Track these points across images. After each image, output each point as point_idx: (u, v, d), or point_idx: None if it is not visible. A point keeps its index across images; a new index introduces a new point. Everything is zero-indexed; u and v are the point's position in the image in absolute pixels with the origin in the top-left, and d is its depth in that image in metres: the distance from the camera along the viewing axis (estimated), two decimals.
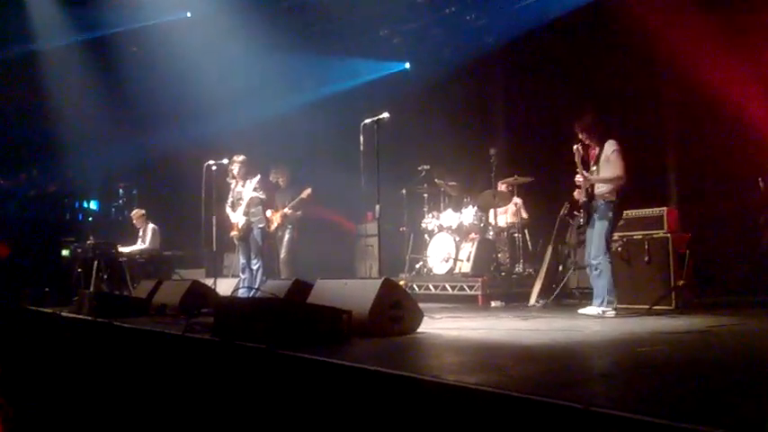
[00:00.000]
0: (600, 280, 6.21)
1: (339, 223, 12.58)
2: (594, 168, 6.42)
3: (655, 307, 6.35)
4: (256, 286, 8.11)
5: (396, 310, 4.66)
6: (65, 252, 11.19)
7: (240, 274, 8.84)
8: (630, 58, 9.50)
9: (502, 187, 9.47)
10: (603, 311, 6.08)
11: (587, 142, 6.47)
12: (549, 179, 9.71)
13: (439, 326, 5.33)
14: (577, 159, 6.41)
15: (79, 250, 10.52)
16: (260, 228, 8.89)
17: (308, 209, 10.34)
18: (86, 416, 4.61)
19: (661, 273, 6.76)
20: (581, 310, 6.29)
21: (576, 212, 6.70)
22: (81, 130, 11.88)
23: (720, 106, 8.35)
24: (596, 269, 6.24)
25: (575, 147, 6.41)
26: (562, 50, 10.38)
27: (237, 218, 8.73)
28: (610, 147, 6.31)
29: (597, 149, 6.43)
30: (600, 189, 6.35)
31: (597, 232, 6.29)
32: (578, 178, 6.44)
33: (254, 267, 8.67)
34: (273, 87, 12.33)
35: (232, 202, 8.87)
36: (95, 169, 13.02)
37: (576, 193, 6.55)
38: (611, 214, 6.26)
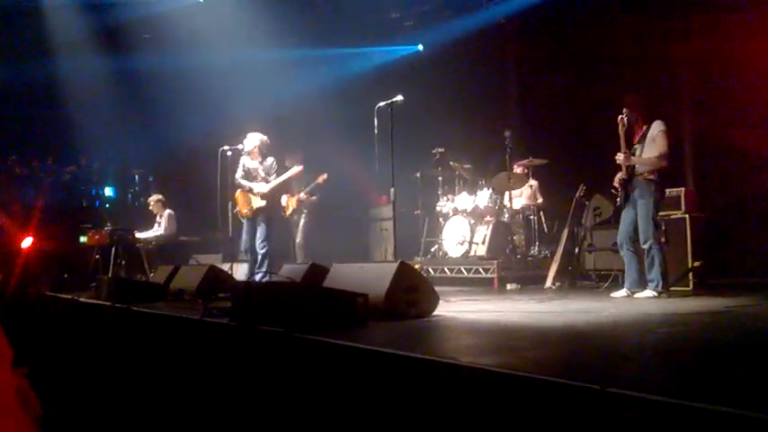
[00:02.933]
0: (653, 264, 6.09)
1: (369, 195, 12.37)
2: (637, 147, 6.31)
3: (671, 288, 6.33)
4: (261, 271, 7.94)
5: (412, 293, 4.67)
6: (83, 238, 11.30)
7: (244, 254, 8.60)
8: (645, 33, 9.39)
9: (518, 169, 9.43)
10: (659, 293, 6.02)
11: (632, 119, 6.31)
12: (564, 161, 9.66)
13: (454, 309, 5.34)
14: (621, 131, 6.26)
15: (97, 236, 10.61)
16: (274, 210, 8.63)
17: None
18: (107, 401, 4.68)
19: (678, 253, 6.73)
20: (637, 295, 6.13)
21: (613, 190, 6.58)
22: (96, 118, 11.95)
23: (740, 81, 8.24)
24: (648, 255, 6.13)
25: (620, 117, 6.25)
26: (575, 29, 10.29)
27: (259, 189, 8.46)
28: (657, 126, 6.20)
29: (643, 129, 6.30)
30: (640, 168, 6.24)
31: (642, 216, 6.16)
32: (619, 157, 6.28)
33: (262, 252, 8.34)
34: (287, 72, 12.32)
35: (244, 175, 8.54)
36: (111, 156, 13.11)
37: (617, 177, 6.36)
38: (653, 195, 6.14)
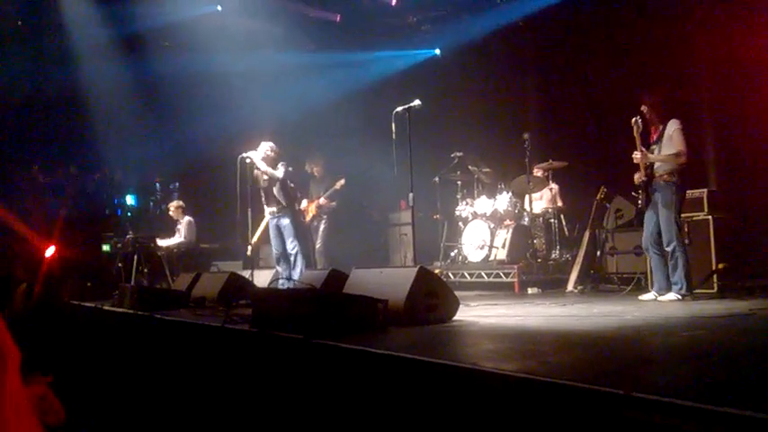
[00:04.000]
0: (677, 266, 6.03)
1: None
2: (655, 148, 6.25)
3: (696, 291, 6.25)
4: (297, 270, 8.05)
5: (431, 298, 4.65)
6: (105, 247, 11.40)
7: (276, 266, 8.73)
8: (665, 32, 9.31)
9: (538, 173, 9.38)
10: (683, 296, 5.95)
11: (648, 118, 6.26)
12: (584, 163, 9.60)
13: (475, 313, 5.31)
14: (636, 134, 6.22)
15: (119, 245, 10.71)
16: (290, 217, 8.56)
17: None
18: (131, 408, 4.70)
19: (702, 256, 6.64)
20: (661, 298, 6.08)
21: (633, 193, 6.52)
22: (117, 126, 12.08)
23: (764, 79, 8.13)
24: (672, 257, 6.06)
25: (633, 120, 6.20)
26: (593, 30, 10.23)
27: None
28: (672, 125, 6.14)
29: (660, 129, 6.24)
30: (659, 169, 6.18)
31: (664, 218, 6.09)
32: (636, 155, 6.23)
33: (293, 252, 8.39)
34: (306, 78, 12.37)
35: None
36: (132, 164, 13.22)
37: (636, 177, 6.35)
38: (674, 197, 6.07)
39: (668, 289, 6.14)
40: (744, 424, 1.78)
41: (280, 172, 8.40)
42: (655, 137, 6.29)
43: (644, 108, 6.27)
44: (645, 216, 6.36)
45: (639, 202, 6.36)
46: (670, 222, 6.08)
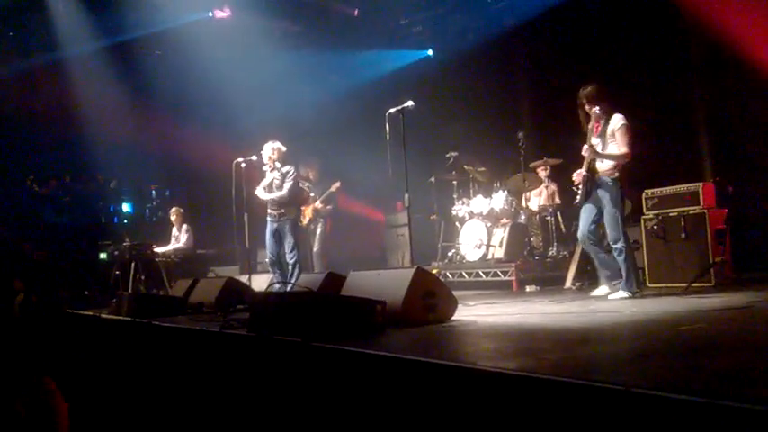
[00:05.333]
0: (624, 265, 5.94)
1: (367, 215, 12.52)
2: (597, 142, 6.05)
3: (693, 284, 6.25)
4: (292, 281, 8.01)
5: (429, 298, 4.64)
6: (102, 255, 11.39)
7: (270, 269, 8.61)
8: (657, 25, 9.31)
9: (540, 171, 9.40)
10: (633, 294, 5.88)
11: (590, 111, 6.07)
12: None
13: (474, 313, 5.30)
14: (588, 129, 6.16)
15: (116, 253, 10.70)
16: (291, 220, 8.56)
17: (340, 202, 10.32)
18: (130, 414, 4.69)
19: (699, 250, 6.64)
20: (611, 296, 6.00)
21: (574, 187, 6.44)
22: (111, 135, 12.06)
23: (757, 68, 8.13)
24: (619, 254, 5.96)
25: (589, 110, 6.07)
26: (585, 25, 10.24)
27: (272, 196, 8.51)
28: (617, 121, 5.95)
29: (601, 122, 6.04)
30: (602, 165, 6.03)
31: (611, 216, 5.96)
32: (585, 150, 6.02)
33: (291, 262, 8.39)
34: (298, 82, 12.37)
35: (266, 187, 8.54)
36: (128, 172, 13.22)
37: (575, 174, 6.25)
38: (618, 194, 5.96)
39: (618, 277, 6.03)
40: (745, 417, 1.78)
41: (284, 189, 8.38)
42: (597, 129, 6.06)
43: (586, 106, 6.09)
44: (583, 210, 6.20)
45: (578, 196, 6.25)
46: (616, 220, 5.94)
